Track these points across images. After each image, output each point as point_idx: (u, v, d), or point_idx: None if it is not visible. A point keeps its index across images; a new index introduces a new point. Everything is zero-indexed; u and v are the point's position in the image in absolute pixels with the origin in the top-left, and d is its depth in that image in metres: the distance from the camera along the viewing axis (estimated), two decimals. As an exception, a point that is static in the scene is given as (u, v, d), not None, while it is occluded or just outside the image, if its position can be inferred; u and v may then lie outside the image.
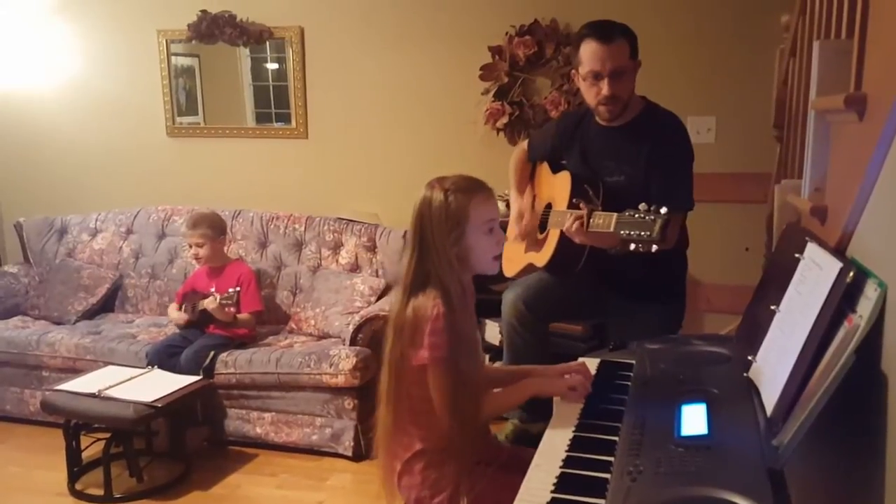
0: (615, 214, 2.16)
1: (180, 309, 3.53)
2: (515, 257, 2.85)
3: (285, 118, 4.21)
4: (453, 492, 1.75)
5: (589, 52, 2.44)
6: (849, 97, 1.47)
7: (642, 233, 2.02)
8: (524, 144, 2.95)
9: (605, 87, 2.45)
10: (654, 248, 2.03)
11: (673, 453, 1.23)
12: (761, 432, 1.23)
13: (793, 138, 2.76)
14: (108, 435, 2.98)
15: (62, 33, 4.36)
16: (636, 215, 2.06)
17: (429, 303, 1.71)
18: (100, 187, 4.46)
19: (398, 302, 1.78)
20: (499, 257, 1.84)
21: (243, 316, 3.48)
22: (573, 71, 2.59)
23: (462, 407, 1.72)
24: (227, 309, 3.37)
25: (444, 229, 1.72)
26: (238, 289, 3.41)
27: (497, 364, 3.13)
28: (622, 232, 2.07)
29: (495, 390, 1.94)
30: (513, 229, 2.86)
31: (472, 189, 1.77)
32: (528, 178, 2.91)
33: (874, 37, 1.51)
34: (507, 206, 3.13)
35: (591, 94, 2.51)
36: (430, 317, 1.69)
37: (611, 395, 1.69)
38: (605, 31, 2.44)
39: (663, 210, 2.00)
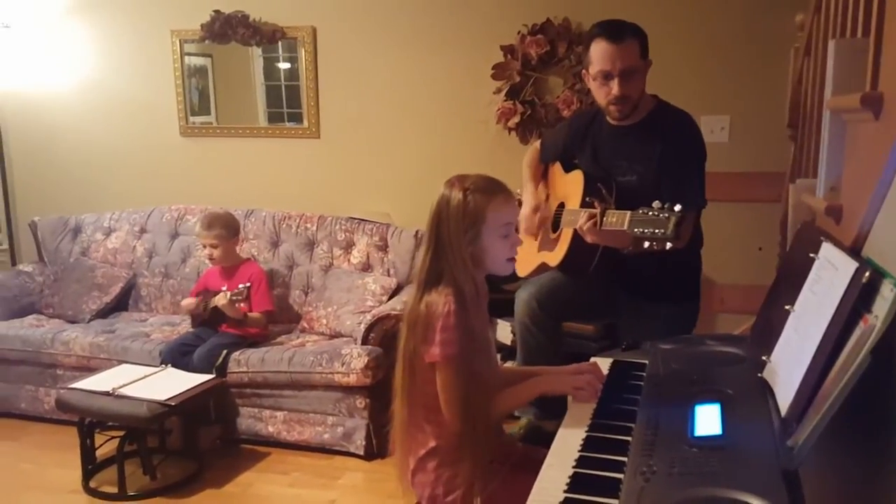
0: (629, 212, 2.15)
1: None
2: (528, 257, 2.84)
3: (297, 118, 4.22)
4: (467, 490, 1.75)
5: (599, 52, 2.44)
6: (864, 96, 1.46)
7: (656, 230, 2.01)
8: (536, 145, 2.94)
9: (615, 87, 2.44)
10: (669, 245, 2.02)
11: (687, 454, 1.23)
12: (776, 433, 1.23)
13: (807, 137, 2.74)
14: (121, 433, 3.00)
15: (76, 33, 4.39)
16: (650, 213, 2.05)
17: (440, 299, 1.71)
18: (113, 186, 4.49)
19: (412, 297, 1.79)
20: (513, 259, 1.84)
21: (254, 315, 3.49)
22: (583, 70, 2.59)
23: (473, 406, 1.72)
24: (237, 305, 3.38)
25: (461, 228, 1.73)
26: (248, 284, 3.42)
27: (509, 364, 3.13)
28: (636, 230, 2.06)
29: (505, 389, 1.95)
30: (525, 223, 2.85)
31: (491, 190, 1.77)
32: (540, 178, 2.90)
33: (890, 35, 1.50)
34: (521, 205, 3.12)
35: (602, 94, 2.50)
36: (441, 313, 1.70)
37: (624, 395, 1.68)
38: (615, 30, 2.43)
39: (677, 208, 1.99)
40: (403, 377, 1.79)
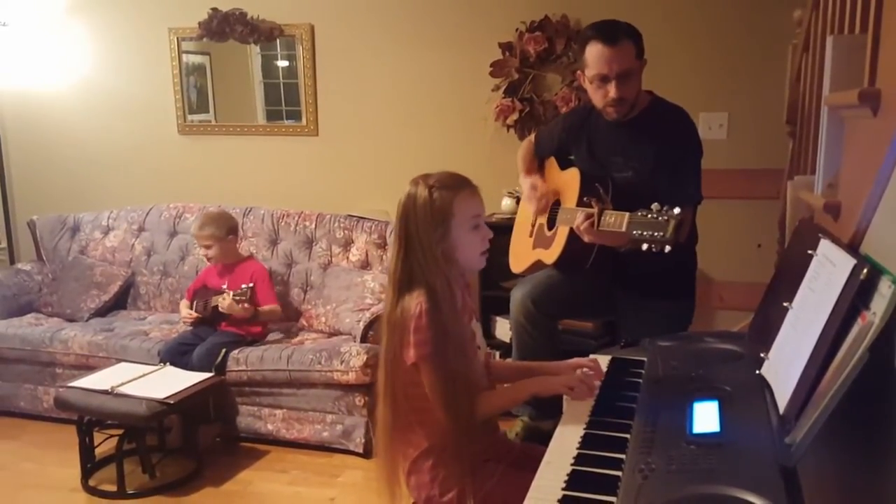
0: (627, 214, 2.13)
1: (191, 306, 3.55)
2: (523, 254, 2.84)
3: (296, 115, 4.21)
4: (462, 489, 1.74)
5: (595, 55, 2.42)
6: (862, 92, 1.46)
7: (655, 233, 2.00)
8: (531, 139, 2.93)
9: (612, 90, 2.42)
10: (668, 248, 2.01)
11: (685, 451, 1.23)
12: (774, 430, 1.23)
13: (806, 134, 2.74)
14: (120, 431, 3.00)
15: (75, 32, 4.38)
16: (649, 215, 2.03)
17: (413, 302, 1.72)
18: (112, 185, 4.49)
19: (389, 300, 1.79)
20: (486, 252, 1.84)
21: (264, 308, 3.47)
22: (579, 72, 2.57)
23: (456, 403, 1.71)
24: (241, 305, 3.37)
25: (430, 226, 1.73)
26: (251, 285, 3.41)
27: (508, 361, 3.12)
28: (634, 232, 2.05)
29: (497, 387, 1.94)
30: (526, 207, 2.84)
31: (456, 185, 1.77)
32: (535, 171, 2.89)
33: (888, 31, 1.50)
34: (518, 202, 3.12)
35: (599, 96, 2.48)
36: (413, 315, 1.70)
37: (622, 392, 1.68)
38: (610, 32, 2.41)
39: (676, 210, 1.98)
40: (385, 380, 1.80)
